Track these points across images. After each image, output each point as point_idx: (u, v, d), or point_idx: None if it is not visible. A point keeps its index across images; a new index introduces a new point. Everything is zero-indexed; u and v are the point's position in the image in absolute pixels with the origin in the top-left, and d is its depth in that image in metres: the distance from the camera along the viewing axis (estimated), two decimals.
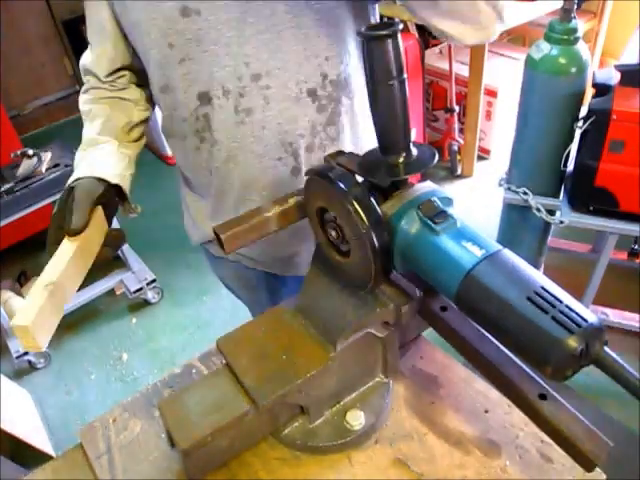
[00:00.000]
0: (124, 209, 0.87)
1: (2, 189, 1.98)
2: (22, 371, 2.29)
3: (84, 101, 0.92)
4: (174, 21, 0.76)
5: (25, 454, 1.83)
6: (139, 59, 0.86)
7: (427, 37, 2.92)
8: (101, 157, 0.84)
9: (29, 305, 0.64)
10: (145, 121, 0.95)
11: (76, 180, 0.79)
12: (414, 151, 0.58)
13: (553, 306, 0.45)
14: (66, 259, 0.69)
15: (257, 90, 0.79)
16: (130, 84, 0.91)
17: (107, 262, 0.80)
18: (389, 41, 0.51)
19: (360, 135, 0.92)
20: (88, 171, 0.80)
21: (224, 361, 0.65)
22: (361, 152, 0.82)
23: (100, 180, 0.79)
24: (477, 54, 2.54)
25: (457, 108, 2.86)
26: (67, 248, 0.71)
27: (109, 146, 0.86)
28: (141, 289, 2.44)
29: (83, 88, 0.92)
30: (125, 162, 0.86)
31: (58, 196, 2.05)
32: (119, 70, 0.89)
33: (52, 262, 0.70)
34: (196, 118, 0.83)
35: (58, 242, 0.72)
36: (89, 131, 0.88)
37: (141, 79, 0.91)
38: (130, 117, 0.91)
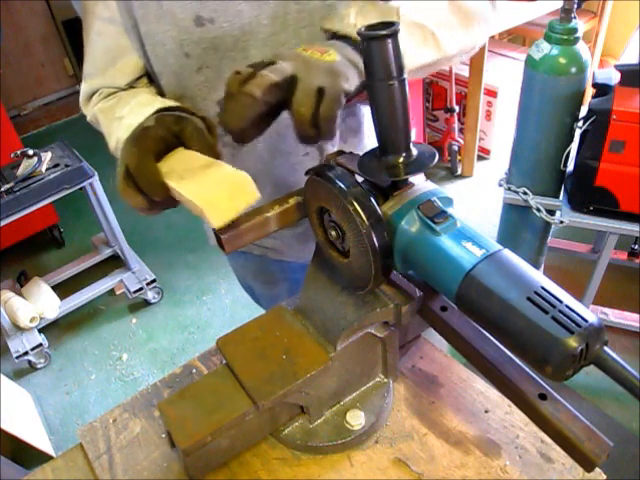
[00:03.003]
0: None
1: (2, 189, 1.98)
2: (22, 371, 2.29)
3: (106, 101, 0.84)
4: (189, 31, 0.74)
5: (25, 454, 1.84)
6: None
7: None
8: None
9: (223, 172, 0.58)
10: None
11: (167, 110, 0.68)
12: (414, 151, 0.57)
13: (553, 306, 0.45)
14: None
15: None
16: (151, 84, 0.87)
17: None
18: (389, 41, 0.51)
19: None
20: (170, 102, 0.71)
21: (224, 361, 0.65)
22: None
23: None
24: (477, 54, 2.54)
25: (457, 108, 2.86)
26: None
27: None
28: (141, 289, 2.44)
29: (97, 98, 0.86)
30: None
31: (58, 196, 2.03)
32: (138, 78, 0.86)
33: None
34: (218, 123, 0.82)
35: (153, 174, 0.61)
36: (137, 100, 0.77)
37: None
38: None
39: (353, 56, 0.60)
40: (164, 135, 0.64)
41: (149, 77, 0.87)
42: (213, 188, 0.57)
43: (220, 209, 0.56)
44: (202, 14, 0.73)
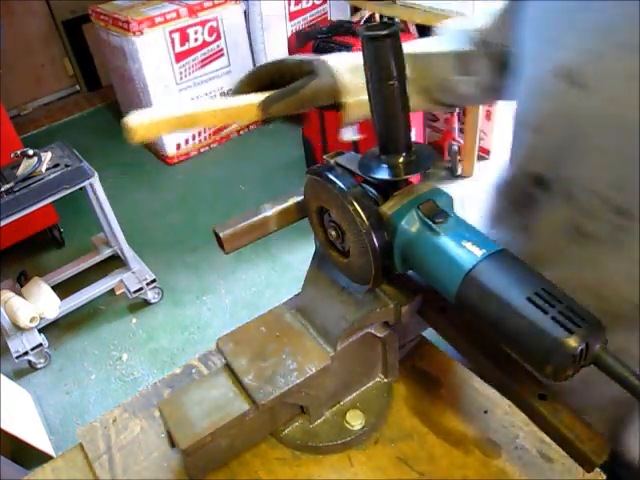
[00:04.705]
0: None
1: (2, 189, 1.98)
2: (22, 371, 2.29)
3: None
4: (552, 83, 0.58)
5: (25, 454, 1.84)
6: None
7: None
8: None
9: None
10: None
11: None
12: (414, 151, 0.58)
13: (553, 306, 0.45)
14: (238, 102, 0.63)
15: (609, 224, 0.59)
16: None
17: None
18: (389, 41, 0.51)
19: None
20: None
21: (224, 361, 0.65)
22: None
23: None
24: None
25: (457, 108, 2.86)
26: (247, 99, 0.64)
27: None
28: (141, 289, 2.44)
29: None
30: None
31: (58, 196, 2.05)
32: None
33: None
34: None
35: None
36: None
37: None
38: None
39: None
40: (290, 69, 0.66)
41: None
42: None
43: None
44: (572, 67, 0.56)
